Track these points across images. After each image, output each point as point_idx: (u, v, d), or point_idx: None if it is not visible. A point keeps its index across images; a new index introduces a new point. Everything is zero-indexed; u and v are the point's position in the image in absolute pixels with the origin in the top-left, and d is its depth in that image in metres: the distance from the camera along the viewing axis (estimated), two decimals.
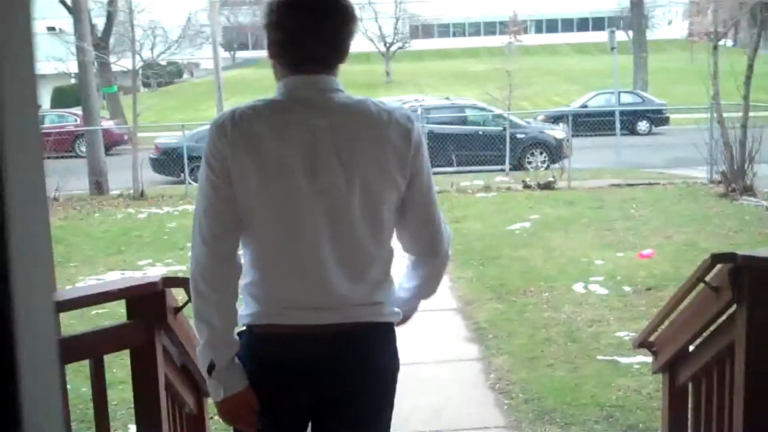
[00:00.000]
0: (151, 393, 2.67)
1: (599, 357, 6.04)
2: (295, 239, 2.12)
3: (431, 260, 2.31)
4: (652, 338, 3.59)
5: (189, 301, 2.85)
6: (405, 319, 2.38)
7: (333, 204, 2.10)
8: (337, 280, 2.13)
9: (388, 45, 50.04)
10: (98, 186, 17.12)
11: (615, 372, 5.71)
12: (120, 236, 12.10)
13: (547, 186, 15.41)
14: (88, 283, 9.21)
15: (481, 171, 17.68)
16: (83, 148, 19.77)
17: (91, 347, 2.57)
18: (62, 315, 3.90)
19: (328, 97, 2.14)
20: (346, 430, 2.28)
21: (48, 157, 17.37)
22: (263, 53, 2.28)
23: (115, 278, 9.29)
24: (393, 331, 2.28)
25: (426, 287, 2.40)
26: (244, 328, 2.19)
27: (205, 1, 26.64)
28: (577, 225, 11.45)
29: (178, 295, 2.95)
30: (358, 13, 2.22)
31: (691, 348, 3.35)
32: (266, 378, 2.19)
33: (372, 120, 2.14)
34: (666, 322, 3.50)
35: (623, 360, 5.88)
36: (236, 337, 2.17)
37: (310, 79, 2.15)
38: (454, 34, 67.25)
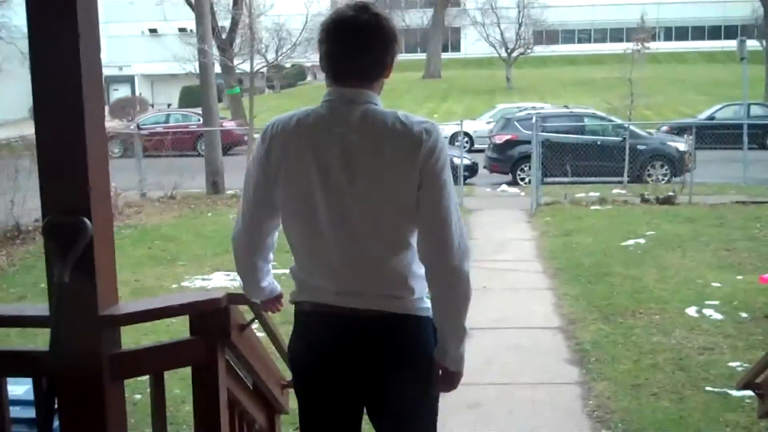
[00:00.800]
0: (212, 411, 2.57)
1: (708, 388, 5.67)
2: (311, 233, 2.42)
3: (440, 272, 2.38)
4: (759, 379, 3.27)
5: (255, 318, 2.76)
6: (447, 351, 2.48)
7: (341, 203, 2.36)
8: (352, 272, 2.40)
9: (510, 51, 49.49)
10: (214, 185, 17.48)
11: (724, 406, 5.34)
12: (228, 237, 12.24)
13: (667, 200, 14.82)
14: (194, 282, 9.37)
15: (597, 182, 17.21)
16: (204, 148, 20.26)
17: (150, 363, 2.49)
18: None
19: (352, 108, 2.39)
20: (384, 420, 2.54)
21: (169, 155, 17.90)
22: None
23: (218, 280, 9.40)
24: (422, 324, 2.45)
25: (442, 308, 2.43)
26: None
27: (328, 3, 26.94)
28: (696, 243, 10.93)
29: (246, 312, 2.86)
30: (397, 34, 2.45)
31: None
32: (303, 352, 2.54)
33: (384, 130, 2.35)
34: None
35: (734, 393, 5.49)
36: (262, 285, 2.70)
37: (343, 91, 2.42)
38: (579, 41, 66.02)
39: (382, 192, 2.34)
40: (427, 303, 2.47)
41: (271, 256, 2.66)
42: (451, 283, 2.38)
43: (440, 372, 2.52)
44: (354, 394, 2.51)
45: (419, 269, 2.43)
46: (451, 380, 2.53)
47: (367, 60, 2.41)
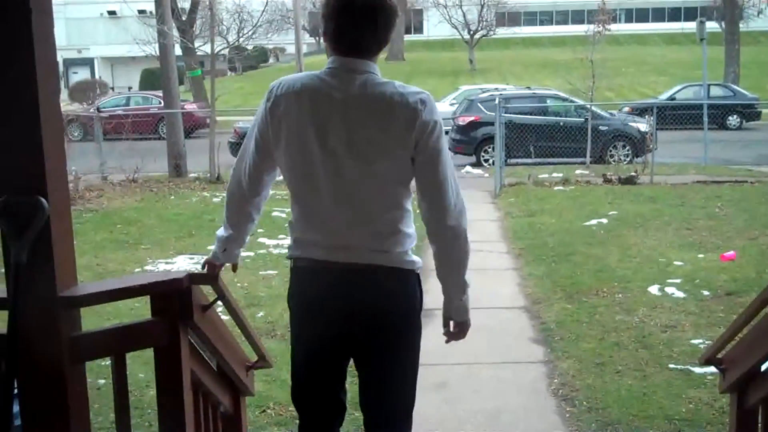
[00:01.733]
0: (175, 393, 2.54)
1: (671, 365, 5.73)
2: (310, 191, 2.59)
3: (439, 231, 2.60)
4: (720, 354, 3.30)
5: (218, 298, 2.73)
6: (452, 304, 2.76)
7: (338, 164, 2.53)
8: (344, 228, 2.57)
9: (472, 33, 49.56)
10: (177, 168, 17.33)
11: (687, 382, 5.40)
12: (192, 219, 12.17)
13: (629, 181, 14.95)
14: (157, 266, 9.28)
15: (560, 163, 17.32)
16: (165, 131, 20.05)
17: (111, 344, 2.45)
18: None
19: (353, 77, 2.56)
20: (368, 369, 2.73)
21: (130, 139, 17.69)
22: None
23: (181, 263, 9.32)
24: (406, 276, 2.66)
25: (443, 264, 2.67)
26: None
27: None
28: (657, 223, 11.04)
29: (209, 294, 2.82)
30: (398, 11, 2.61)
31: (763, 368, 3.06)
32: (297, 304, 2.73)
33: (383, 99, 2.53)
34: (737, 338, 3.22)
35: (697, 370, 5.55)
36: (243, 238, 2.85)
37: (345, 60, 2.59)
38: (541, 23, 66.30)
39: (377, 157, 2.51)
40: (413, 257, 2.68)
41: (261, 210, 2.85)
42: (451, 240, 2.60)
43: (450, 324, 2.79)
44: (343, 343, 2.69)
45: (408, 228, 2.64)
46: (459, 330, 2.80)
47: (370, 36, 2.57)
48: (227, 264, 2.89)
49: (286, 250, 2.80)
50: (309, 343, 2.73)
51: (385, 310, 2.62)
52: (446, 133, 17.68)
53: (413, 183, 2.64)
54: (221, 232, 2.85)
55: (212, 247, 2.89)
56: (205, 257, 2.94)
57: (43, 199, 2.10)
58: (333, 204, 2.56)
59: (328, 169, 2.54)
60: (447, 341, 2.84)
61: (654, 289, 7.73)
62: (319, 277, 2.63)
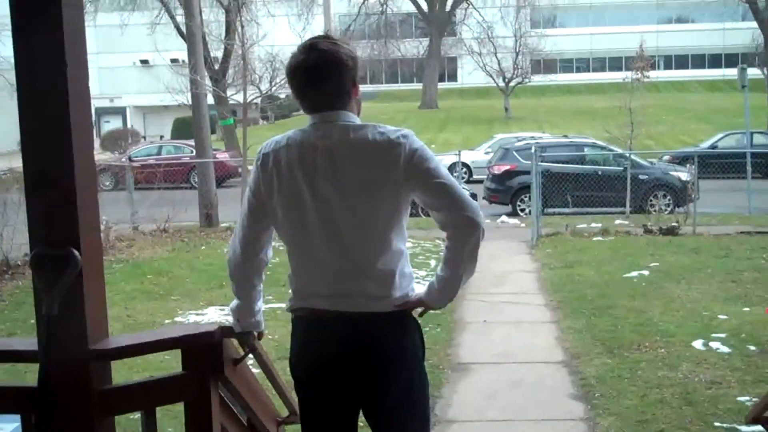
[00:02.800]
0: None
1: (717, 423, 5.61)
2: (304, 240, 2.71)
3: (457, 225, 2.68)
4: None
5: (249, 351, 2.74)
6: (440, 294, 2.81)
7: (330, 210, 2.65)
8: (341, 275, 2.67)
9: (507, 80, 49.77)
10: (208, 218, 17.46)
11: None
12: (223, 270, 12.14)
13: (670, 231, 14.81)
14: (188, 318, 9.32)
15: (599, 213, 17.21)
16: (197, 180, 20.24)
17: (141, 398, 2.46)
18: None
19: (333, 125, 2.70)
20: (377, 419, 2.78)
21: (161, 188, 17.89)
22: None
23: (212, 315, 9.35)
24: (403, 320, 2.75)
25: (451, 255, 2.74)
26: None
27: (321, 31, 27.08)
28: (701, 275, 10.90)
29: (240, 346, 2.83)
30: (354, 56, 2.73)
31: None
32: (298, 356, 2.80)
33: (365, 142, 2.65)
34: None
35: (744, 429, 5.44)
36: (256, 307, 2.90)
37: (321, 114, 2.74)
38: (578, 70, 66.49)
39: (367, 200, 2.64)
40: (411, 298, 2.77)
41: (263, 274, 2.94)
42: (469, 230, 2.67)
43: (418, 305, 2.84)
44: (350, 394, 2.75)
45: (405, 268, 2.75)
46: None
47: (328, 89, 2.70)
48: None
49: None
50: (315, 398, 2.79)
51: (389, 357, 2.70)
52: (482, 182, 17.55)
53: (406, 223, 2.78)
54: (232, 303, 2.93)
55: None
56: (195, 328, 3.00)
57: (76, 251, 2.13)
58: (328, 251, 2.67)
59: (321, 216, 2.66)
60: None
61: (698, 344, 7.61)
62: (319, 327, 2.72)
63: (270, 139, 2.83)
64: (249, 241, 2.82)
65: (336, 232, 2.65)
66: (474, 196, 19.46)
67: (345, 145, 2.66)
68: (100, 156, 32.74)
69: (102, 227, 13.70)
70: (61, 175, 2.13)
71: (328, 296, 2.69)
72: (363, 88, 2.90)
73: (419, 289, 2.83)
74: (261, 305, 2.95)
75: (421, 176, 2.65)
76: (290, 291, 2.85)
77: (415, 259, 12.39)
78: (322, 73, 2.67)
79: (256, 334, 2.94)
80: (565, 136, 23.13)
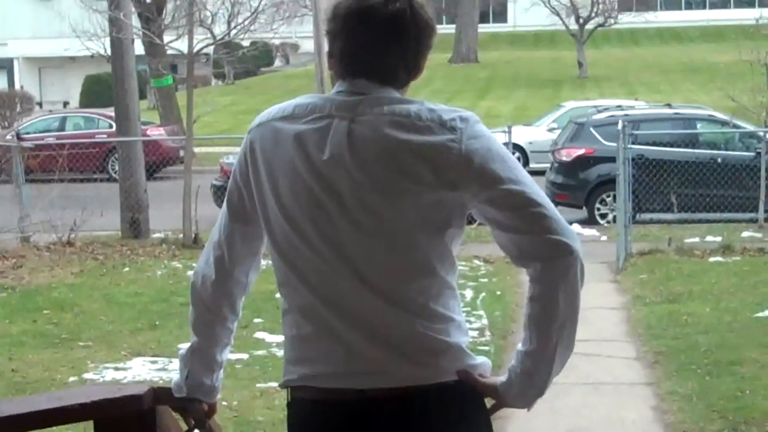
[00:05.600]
0: None
1: None
2: (301, 269, 2.73)
3: (552, 262, 2.65)
4: None
5: (195, 426, 2.77)
6: (525, 383, 2.76)
7: (336, 228, 2.69)
8: (354, 325, 2.68)
9: (582, 21, 49.74)
10: (134, 225, 17.44)
11: None
12: (156, 303, 12.26)
13: None
14: (104, 374, 9.35)
15: (718, 221, 17.17)
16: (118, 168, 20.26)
17: None
18: None
19: (369, 107, 2.72)
20: None
21: (65, 180, 17.91)
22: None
23: (139, 370, 9.38)
24: (462, 398, 2.74)
25: (550, 312, 2.66)
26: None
27: None
28: None
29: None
30: (434, 27, 2.80)
31: None
32: None
33: (403, 128, 2.68)
34: None
35: None
36: (216, 359, 2.94)
37: (360, 84, 2.78)
38: (688, 6, 66.59)
39: (392, 209, 2.66)
40: (475, 359, 2.77)
41: (240, 307, 2.99)
42: (561, 266, 2.63)
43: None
44: None
45: (453, 304, 2.76)
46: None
47: (398, 56, 2.77)
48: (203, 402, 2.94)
49: None
50: None
51: None
52: (543, 173, 17.55)
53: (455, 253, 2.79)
54: (183, 348, 2.97)
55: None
56: (113, 390, 3.00)
57: None
58: (336, 285, 2.70)
59: (326, 234, 2.70)
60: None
61: None
62: (331, 415, 2.71)
63: (270, 109, 2.86)
64: (227, 254, 2.87)
65: (345, 257, 2.70)
66: None
67: (373, 130, 2.69)
68: None
69: None
70: None
71: (336, 364, 2.70)
72: None
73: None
74: (224, 358, 2.98)
75: (486, 181, 2.66)
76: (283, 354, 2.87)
77: None
78: (401, 28, 2.73)
79: (205, 405, 2.93)
80: (668, 106, 23.04)
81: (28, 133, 28.07)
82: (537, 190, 2.69)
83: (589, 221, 18.98)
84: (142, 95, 25.84)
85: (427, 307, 2.67)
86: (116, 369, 9.45)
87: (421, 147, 2.64)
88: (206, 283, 2.88)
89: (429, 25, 2.77)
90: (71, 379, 9.17)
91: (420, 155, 2.64)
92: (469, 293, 12.50)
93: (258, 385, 8.78)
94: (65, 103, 53.60)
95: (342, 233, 2.67)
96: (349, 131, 2.68)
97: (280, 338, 10.24)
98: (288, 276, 2.77)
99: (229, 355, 3.04)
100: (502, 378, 2.75)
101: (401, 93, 2.80)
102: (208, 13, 22.03)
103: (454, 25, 56.05)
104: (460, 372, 2.68)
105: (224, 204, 2.90)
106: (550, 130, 26.96)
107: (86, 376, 9.27)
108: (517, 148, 24.78)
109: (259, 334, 10.36)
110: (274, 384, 8.76)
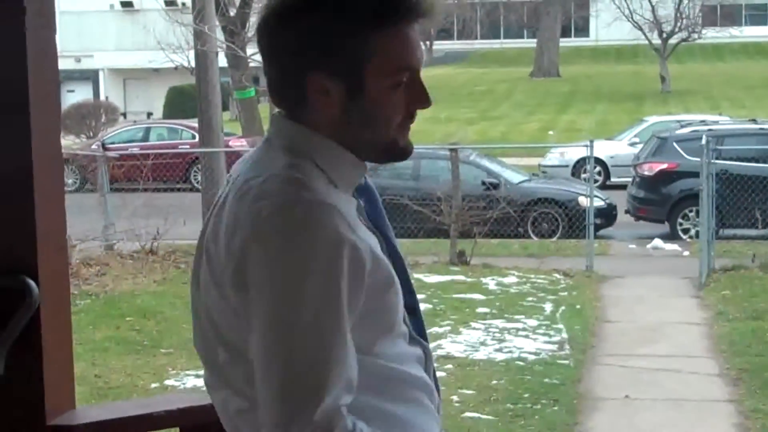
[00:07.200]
0: None
1: None
2: None
3: None
4: None
5: None
6: None
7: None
8: None
9: (666, 36, 49.32)
10: None
11: None
12: None
13: None
14: (185, 380, 9.42)
15: None
16: (200, 179, 20.41)
17: None
18: None
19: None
20: None
21: (149, 189, 18.08)
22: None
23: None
24: None
25: None
26: None
27: None
28: None
29: None
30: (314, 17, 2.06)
31: None
32: None
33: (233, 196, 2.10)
34: None
35: None
36: None
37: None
38: None
39: (211, 306, 2.15)
40: None
41: None
42: None
43: None
44: None
45: None
46: None
47: (270, 72, 2.14)
48: None
49: None
50: None
51: None
52: (624, 187, 17.39)
53: None
54: None
55: None
56: (198, 399, 2.79)
57: (32, 282, 2.16)
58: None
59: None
60: None
61: None
62: None
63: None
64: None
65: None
66: (613, 208, 19.50)
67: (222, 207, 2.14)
68: (61, 141, 33.29)
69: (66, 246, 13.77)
70: (14, 170, 2.17)
71: None
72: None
73: None
74: None
75: (244, 301, 2.04)
76: None
77: (521, 302, 12.37)
78: (259, 33, 2.17)
79: None
80: (753, 121, 22.81)
81: (113, 143, 28.36)
82: (288, 344, 1.99)
83: (671, 236, 18.82)
84: (225, 107, 26.06)
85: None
86: (197, 376, 9.50)
87: (228, 223, 2.12)
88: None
89: (283, 16, 2.10)
90: (153, 385, 9.26)
91: (223, 234, 2.13)
92: (548, 306, 12.44)
93: None
94: (149, 114, 54.06)
95: None
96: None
97: None
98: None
99: None
100: None
101: (301, 121, 2.14)
102: None
103: (535, 40, 55.88)
104: None
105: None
106: (632, 144, 26.78)
107: (168, 382, 9.36)
108: (598, 161, 24.63)
109: None
110: None
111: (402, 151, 2.18)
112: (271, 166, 2.06)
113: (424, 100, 2.14)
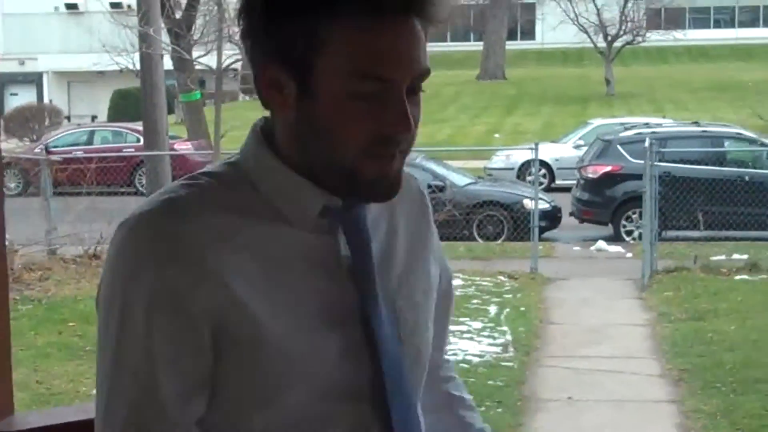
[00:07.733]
0: None
1: None
2: None
3: None
4: None
5: None
6: None
7: None
8: None
9: (610, 39, 49.62)
10: None
11: None
12: None
13: None
14: None
15: (744, 239, 17.11)
16: (145, 182, 20.32)
17: None
18: None
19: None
20: None
21: (93, 193, 17.95)
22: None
23: None
24: None
25: None
26: None
27: None
28: None
29: None
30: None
31: None
32: None
33: None
34: None
35: None
36: None
37: None
38: (717, 24, 66.32)
39: None
40: None
41: None
42: None
43: None
44: None
45: None
46: None
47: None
48: None
49: None
50: None
51: None
52: (569, 190, 17.47)
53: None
54: None
55: None
56: None
57: None
58: None
59: None
60: None
61: None
62: None
63: None
64: None
65: None
66: (557, 210, 19.57)
67: None
68: (3, 145, 33.03)
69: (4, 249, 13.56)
70: None
71: None
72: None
73: None
74: None
75: None
76: None
77: (466, 305, 12.39)
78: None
79: None
80: (696, 124, 23.00)
81: (56, 146, 28.18)
82: (106, 373, 1.78)
83: (615, 238, 18.94)
84: (170, 110, 25.91)
85: None
86: None
87: None
88: None
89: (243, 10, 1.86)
90: (95, 391, 9.20)
91: None
92: (493, 309, 12.49)
93: None
94: (93, 117, 53.77)
95: None
96: None
97: None
98: None
99: None
100: None
101: (278, 123, 1.86)
102: (237, 29, 22.11)
103: (481, 43, 56.10)
104: None
105: None
106: (577, 147, 26.97)
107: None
108: (543, 164, 24.75)
109: None
110: None
111: (368, 186, 1.75)
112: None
113: (395, 123, 1.70)
